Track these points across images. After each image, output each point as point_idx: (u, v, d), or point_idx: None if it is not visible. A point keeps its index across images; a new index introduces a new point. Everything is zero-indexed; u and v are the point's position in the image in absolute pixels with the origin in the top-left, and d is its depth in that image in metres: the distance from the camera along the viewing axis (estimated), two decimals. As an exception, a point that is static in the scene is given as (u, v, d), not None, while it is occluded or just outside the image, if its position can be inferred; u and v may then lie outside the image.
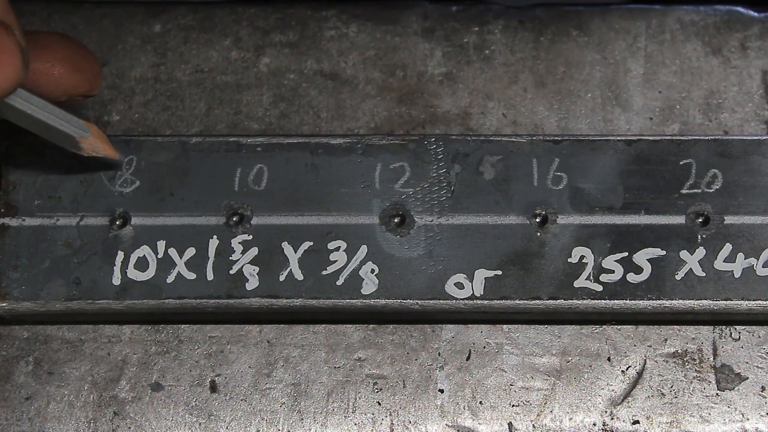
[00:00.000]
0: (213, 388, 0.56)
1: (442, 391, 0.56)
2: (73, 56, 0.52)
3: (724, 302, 0.54)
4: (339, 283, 0.55)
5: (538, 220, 0.55)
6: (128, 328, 0.57)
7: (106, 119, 0.60)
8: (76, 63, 0.52)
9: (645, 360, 0.56)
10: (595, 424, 0.55)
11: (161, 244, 0.55)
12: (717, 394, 0.55)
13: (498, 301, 0.55)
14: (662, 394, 0.55)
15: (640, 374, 0.56)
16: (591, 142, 0.56)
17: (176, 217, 0.56)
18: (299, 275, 0.55)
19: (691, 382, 0.56)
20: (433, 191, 0.56)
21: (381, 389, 0.56)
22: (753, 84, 0.60)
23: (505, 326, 0.57)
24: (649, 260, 0.54)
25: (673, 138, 0.56)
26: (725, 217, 0.55)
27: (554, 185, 0.56)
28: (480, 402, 0.56)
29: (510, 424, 0.55)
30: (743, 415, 0.55)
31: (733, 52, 0.61)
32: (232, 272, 0.55)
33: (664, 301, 0.54)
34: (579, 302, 0.54)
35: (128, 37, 0.62)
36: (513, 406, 0.55)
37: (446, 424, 0.55)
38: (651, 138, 0.56)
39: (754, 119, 0.60)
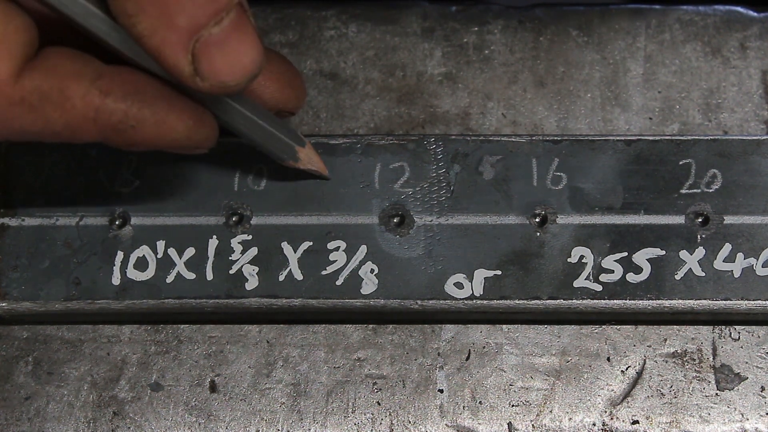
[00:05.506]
0: (213, 388, 0.56)
1: (441, 391, 0.56)
2: (287, 72, 0.52)
3: (724, 302, 0.54)
4: (338, 283, 0.55)
5: (537, 220, 0.55)
6: (128, 328, 0.57)
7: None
8: (289, 79, 0.52)
9: (644, 360, 0.56)
10: (594, 424, 0.55)
11: (161, 244, 0.55)
12: (716, 394, 0.55)
13: (498, 301, 0.55)
14: (662, 394, 0.55)
15: (639, 374, 0.56)
16: (591, 142, 0.56)
17: (176, 217, 0.56)
18: (299, 275, 0.55)
19: (691, 382, 0.56)
20: (433, 191, 0.56)
21: (381, 389, 0.56)
22: (752, 84, 0.60)
23: (504, 326, 0.57)
24: (648, 260, 0.54)
25: (673, 138, 0.56)
26: (725, 217, 0.55)
27: (554, 185, 0.56)
28: (480, 402, 0.56)
29: (510, 424, 0.55)
30: (743, 415, 0.55)
31: (732, 52, 0.61)
32: (231, 272, 0.55)
33: (663, 301, 0.54)
34: (579, 302, 0.54)
35: (128, 37, 0.61)
36: (513, 406, 0.55)
37: (446, 424, 0.55)
38: (650, 138, 0.56)
39: (753, 119, 0.60)
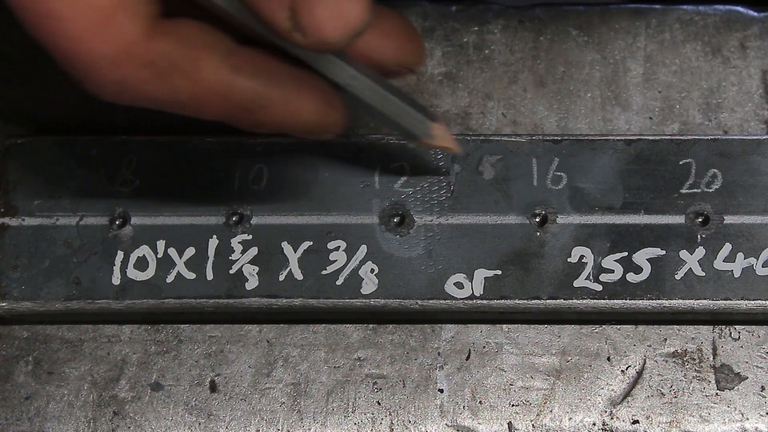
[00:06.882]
0: (213, 387, 0.56)
1: (441, 390, 0.56)
2: (404, 27, 0.50)
3: (724, 302, 0.54)
4: (339, 282, 0.55)
5: (537, 219, 0.55)
6: (128, 327, 0.57)
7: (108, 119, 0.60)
8: (407, 34, 0.50)
9: (645, 360, 0.56)
10: (594, 424, 0.55)
11: (161, 244, 0.55)
12: (717, 393, 0.55)
13: (498, 301, 0.55)
14: (662, 393, 0.55)
15: (639, 374, 0.56)
16: (591, 142, 0.56)
17: (176, 217, 0.56)
18: (299, 275, 0.55)
19: (691, 382, 0.56)
20: (433, 191, 0.56)
21: (381, 389, 0.56)
22: (752, 84, 0.60)
23: (504, 326, 0.57)
24: (648, 260, 0.54)
25: (673, 138, 0.56)
26: (725, 217, 0.55)
27: (554, 185, 0.56)
28: (480, 402, 0.56)
29: (510, 424, 0.55)
30: (743, 415, 0.55)
31: (732, 51, 0.61)
32: (231, 272, 0.55)
33: (663, 301, 0.54)
34: (579, 302, 0.54)
35: (128, 37, 0.61)
36: (513, 405, 0.55)
37: (446, 424, 0.55)
38: (650, 138, 0.56)
39: (753, 119, 0.60)
